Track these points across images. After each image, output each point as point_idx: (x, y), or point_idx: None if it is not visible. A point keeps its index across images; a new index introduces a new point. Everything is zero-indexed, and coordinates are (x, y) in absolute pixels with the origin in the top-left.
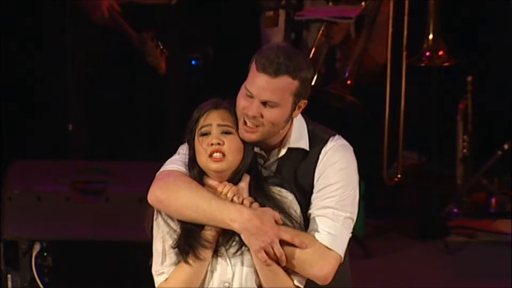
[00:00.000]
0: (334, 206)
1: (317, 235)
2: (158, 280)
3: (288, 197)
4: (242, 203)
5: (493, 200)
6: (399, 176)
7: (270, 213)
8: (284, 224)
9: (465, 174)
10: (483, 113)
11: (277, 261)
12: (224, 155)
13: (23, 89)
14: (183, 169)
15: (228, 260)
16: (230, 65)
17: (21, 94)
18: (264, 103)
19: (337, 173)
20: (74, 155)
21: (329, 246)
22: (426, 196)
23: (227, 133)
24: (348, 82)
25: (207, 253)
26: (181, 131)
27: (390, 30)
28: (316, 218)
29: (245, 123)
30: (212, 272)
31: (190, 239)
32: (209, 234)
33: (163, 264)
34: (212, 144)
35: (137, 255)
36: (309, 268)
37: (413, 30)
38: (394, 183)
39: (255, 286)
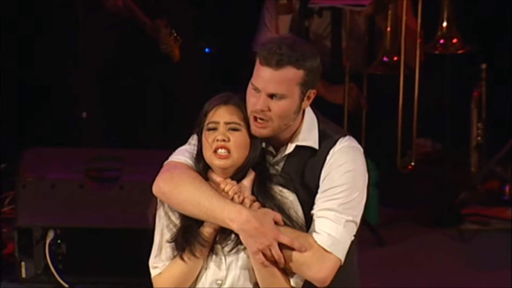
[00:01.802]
0: (337, 208)
1: (316, 237)
2: (152, 273)
3: (289, 198)
4: (242, 202)
5: (507, 188)
6: (413, 164)
7: (271, 215)
8: (284, 224)
9: (479, 162)
10: (497, 101)
11: (275, 262)
12: (229, 151)
13: (37, 77)
14: (190, 161)
15: (223, 259)
16: (242, 54)
17: (35, 82)
18: (271, 96)
19: (342, 175)
20: (87, 143)
21: (328, 249)
22: (440, 184)
23: (234, 129)
24: (384, 58)
25: (202, 251)
26: (194, 120)
27: (404, 17)
28: (318, 220)
29: (255, 119)
30: (205, 269)
31: (187, 235)
32: (207, 231)
33: (159, 257)
34: (217, 140)
35: (150, 242)
36: (307, 270)
37: (427, 18)
38: (408, 171)
39: (250, 286)
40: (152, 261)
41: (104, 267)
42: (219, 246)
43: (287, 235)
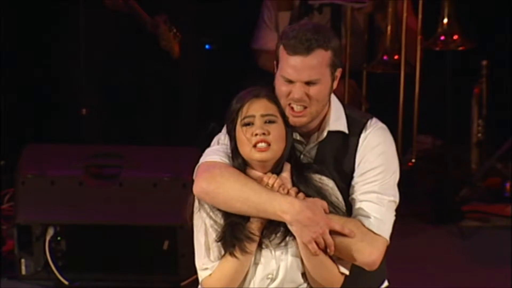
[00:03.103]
0: (378, 190)
1: (364, 220)
2: (202, 274)
3: (329, 184)
4: (287, 194)
5: (508, 185)
6: (413, 160)
7: (319, 203)
8: (329, 212)
9: (479, 159)
10: (498, 98)
11: (325, 250)
12: (269, 144)
13: (37, 74)
14: (226, 160)
15: (272, 252)
16: (243, 49)
17: (34, 79)
18: (307, 83)
19: (378, 157)
20: (87, 140)
21: (376, 231)
22: (440, 180)
23: (270, 122)
24: (384, 57)
25: (252, 246)
26: (194, 115)
27: (405, 14)
28: (361, 203)
29: (292, 109)
30: (256, 264)
31: (236, 232)
32: (255, 226)
33: (207, 258)
34: (256, 135)
35: (150, 239)
36: (359, 255)
37: (428, 14)
38: (408, 168)
39: (299, 276)
40: (200, 263)
41: (104, 264)
42: (267, 240)
43: (337, 222)
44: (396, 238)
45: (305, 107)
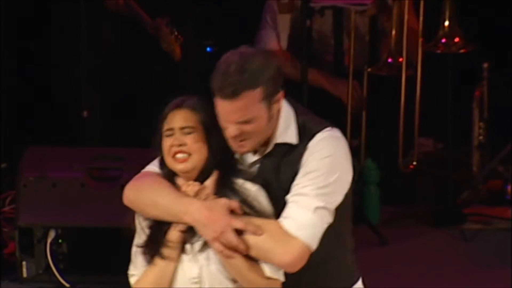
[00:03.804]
0: (308, 193)
1: (284, 221)
2: (131, 281)
3: (251, 189)
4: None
5: (509, 187)
6: (414, 163)
7: (223, 202)
8: (248, 215)
9: (481, 161)
10: (499, 100)
11: (245, 253)
12: (189, 154)
13: (38, 76)
14: (157, 169)
15: (194, 257)
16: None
17: (35, 81)
18: (241, 122)
19: (319, 161)
20: (89, 142)
21: (294, 233)
22: (441, 183)
23: (188, 133)
24: (389, 59)
25: (172, 253)
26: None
27: (406, 17)
28: (289, 204)
29: (234, 141)
30: (180, 270)
31: (155, 239)
32: (173, 233)
33: (133, 266)
34: (174, 146)
35: None
36: (273, 256)
37: (429, 17)
38: (409, 170)
39: (227, 282)
40: (129, 270)
41: (105, 267)
42: (189, 245)
43: (240, 221)
44: (397, 241)
45: (246, 140)
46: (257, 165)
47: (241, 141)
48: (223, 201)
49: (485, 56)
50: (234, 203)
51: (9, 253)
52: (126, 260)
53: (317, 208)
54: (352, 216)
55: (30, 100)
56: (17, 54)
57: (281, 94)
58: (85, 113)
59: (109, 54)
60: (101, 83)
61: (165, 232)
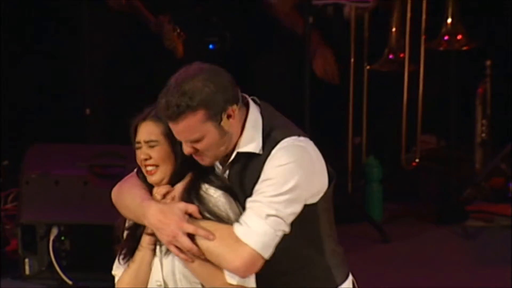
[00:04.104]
0: (262, 200)
1: (236, 226)
2: (115, 280)
3: (213, 195)
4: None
5: (511, 185)
6: (417, 160)
7: (180, 206)
8: (209, 219)
9: (483, 159)
10: (502, 97)
11: (204, 258)
12: (157, 166)
13: (41, 74)
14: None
15: (161, 259)
16: (247, 49)
17: (38, 79)
18: (190, 141)
19: (274, 169)
20: (91, 139)
21: (243, 240)
22: (444, 180)
23: (152, 146)
24: (390, 56)
25: (143, 255)
26: None
27: (409, 14)
28: (246, 210)
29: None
30: (151, 272)
31: (130, 240)
32: (144, 235)
33: (116, 265)
34: (142, 159)
35: None
36: (223, 260)
37: (432, 14)
38: (412, 168)
39: (190, 285)
40: (113, 269)
41: (108, 264)
42: (158, 248)
43: (194, 225)
44: (400, 238)
45: (204, 154)
46: (225, 172)
47: (199, 155)
48: (181, 204)
49: (488, 53)
50: (192, 207)
51: (11, 250)
52: None
53: (268, 215)
54: (355, 213)
55: (33, 97)
56: (20, 52)
57: (232, 109)
58: (87, 111)
59: (111, 52)
60: (103, 80)
61: (139, 235)
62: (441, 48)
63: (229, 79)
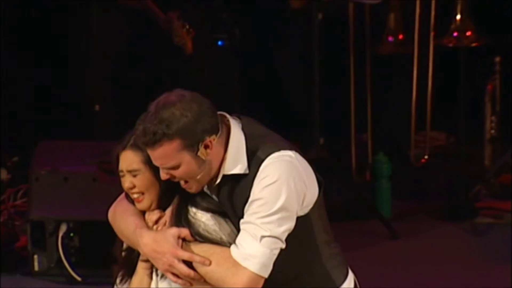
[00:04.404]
0: (255, 221)
1: (233, 250)
2: None
3: (201, 219)
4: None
5: None
6: (426, 157)
7: (171, 233)
8: (200, 242)
9: (493, 155)
10: (511, 94)
11: (203, 280)
12: (142, 193)
13: (50, 70)
14: None
15: (156, 283)
16: (256, 46)
17: (47, 76)
18: (167, 168)
19: (263, 189)
20: (100, 136)
21: (242, 263)
22: (453, 177)
23: (135, 175)
24: (389, 38)
25: (140, 280)
26: None
27: (418, 11)
28: (241, 231)
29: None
30: None
31: (124, 264)
32: (139, 262)
33: (115, 283)
34: (126, 188)
35: None
36: (223, 284)
37: (441, 11)
38: (421, 164)
39: None
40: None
41: (116, 260)
42: (154, 271)
43: (189, 251)
44: (409, 235)
45: (188, 182)
46: (213, 195)
47: (185, 182)
48: (173, 230)
49: (497, 49)
50: (184, 231)
51: (21, 246)
52: None
53: (263, 237)
54: (364, 209)
55: (42, 95)
56: (30, 49)
57: (210, 140)
58: (97, 107)
59: (121, 48)
60: (113, 77)
61: (135, 258)
62: (450, 45)
63: (209, 108)
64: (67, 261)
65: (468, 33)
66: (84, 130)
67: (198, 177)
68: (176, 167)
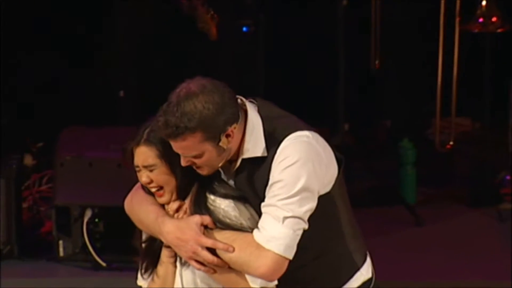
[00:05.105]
0: (276, 204)
1: (256, 233)
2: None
3: (220, 206)
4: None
5: None
6: (451, 143)
7: (194, 220)
8: (222, 229)
9: None
10: None
11: (227, 266)
12: (161, 187)
13: (75, 56)
14: None
15: (180, 271)
16: (281, 32)
17: (72, 62)
18: (189, 157)
19: (282, 171)
20: (125, 122)
21: (265, 246)
22: (478, 163)
23: (151, 170)
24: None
25: (165, 270)
26: None
27: (458, 5)
28: (262, 215)
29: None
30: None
31: (146, 255)
32: (163, 251)
33: (139, 273)
34: (144, 183)
35: None
36: (248, 268)
37: None
38: (446, 150)
39: None
40: (137, 280)
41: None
42: (178, 259)
43: (212, 238)
44: (434, 221)
45: (203, 167)
46: (231, 179)
47: (198, 167)
48: (196, 218)
49: None
50: (206, 219)
51: (46, 232)
52: None
53: (285, 218)
54: (389, 196)
55: (67, 80)
56: (54, 35)
57: (232, 129)
58: (121, 93)
59: (145, 34)
60: (137, 63)
61: (158, 247)
62: (476, 30)
63: (230, 98)
64: (92, 247)
65: (494, 19)
66: (108, 115)
67: (220, 164)
68: (197, 156)
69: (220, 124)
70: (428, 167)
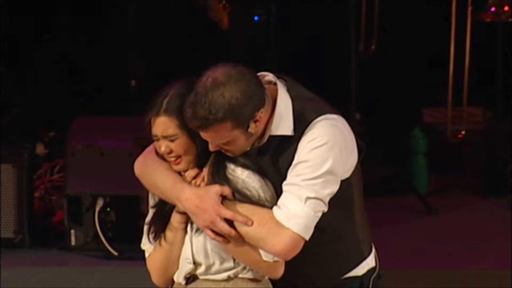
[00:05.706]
0: (300, 183)
1: (276, 210)
2: (145, 254)
3: (240, 177)
4: (199, 185)
5: None
6: (463, 132)
7: (214, 190)
8: (241, 201)
9: None
10: None
11: (240, 237)
12: (180, 156)
13: (87, 46)
14: None
15: (191, 237)
16: (292, 22)
17: (83, 51)
18: (217, 144)
19: (310, 151)
20: (136, 111)
21: (285, 224)
22: (490, 153)
23: (171, 140)
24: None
25: (174, 235)
26: None
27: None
28: (283, 193)
29: None
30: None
31: (155, 220)
32: (174, 215)
33: (145, 238)
34: (162, 152)
35: None
36: (264, 244)
37: None
38: (458, 140)
39: (221, 260)
40: (142, 243)
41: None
42: (189, 226)
43: (232, 210)
44: (446, 210)
45: (229, 150)
46: (254, 155)
47: (226, 151)
48: (215, 188)
49: None
50: (226, 190)
51: (57, 221)
52: None
53: (308, 198)
54: (401, 185)
55: (78, 69)
56: (67, 25)
57: (260, 114)
58: (133, 82)
59: (156, 23)
60: (149, 52)
61: (168, 212)
62: (488, 20)
63: (256, 84)
64: (103, 236)
65: (506, 8)
66: (120, 105)
67: (248, 147)
68: (226, 143)
69: (248, 112)
70: (440, 157)
